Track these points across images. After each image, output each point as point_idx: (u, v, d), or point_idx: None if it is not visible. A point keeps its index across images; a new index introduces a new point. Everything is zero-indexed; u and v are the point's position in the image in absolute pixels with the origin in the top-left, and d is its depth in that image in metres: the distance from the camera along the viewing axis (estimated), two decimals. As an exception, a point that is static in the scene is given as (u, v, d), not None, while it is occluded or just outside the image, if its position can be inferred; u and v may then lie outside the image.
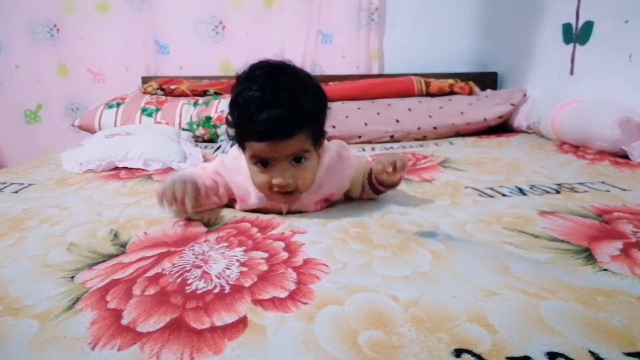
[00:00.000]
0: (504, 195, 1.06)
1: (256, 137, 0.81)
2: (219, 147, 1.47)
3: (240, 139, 0.86)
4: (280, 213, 0.95)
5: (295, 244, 0.75)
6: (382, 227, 0.84)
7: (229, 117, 0.87)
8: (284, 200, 0.90)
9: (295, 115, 0.80)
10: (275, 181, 0.84)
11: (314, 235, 0.80)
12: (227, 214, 0.93)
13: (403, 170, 0.89)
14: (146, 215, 0.94)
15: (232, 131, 0.88)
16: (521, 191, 1.08)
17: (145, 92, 2.23)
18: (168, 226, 0.86)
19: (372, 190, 0.98)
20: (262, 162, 0.85)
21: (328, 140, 0.98)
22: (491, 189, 1.11)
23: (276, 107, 0.78)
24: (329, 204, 1.00)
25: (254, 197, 0.93)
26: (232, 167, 0.95)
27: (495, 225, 0.85)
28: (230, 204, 1.00)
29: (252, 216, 0.91)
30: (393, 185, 0.97)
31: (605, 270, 0.66)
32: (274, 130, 0.80)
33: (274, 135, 0.80)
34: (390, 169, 0.87)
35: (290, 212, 0.95)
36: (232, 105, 0.85)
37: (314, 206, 0.97)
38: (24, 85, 2.57)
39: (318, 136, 0.88)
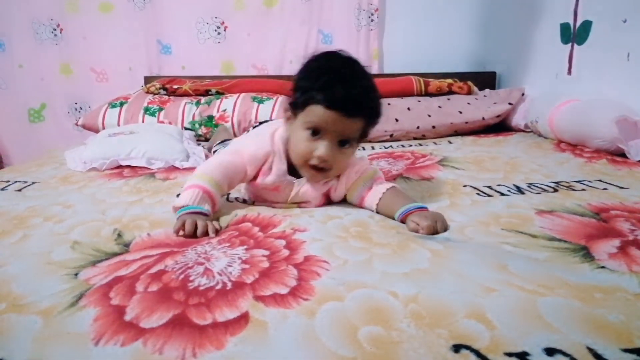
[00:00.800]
0: (502, 194, 1.06)
1: (327, 104, 0.86)
2: (222, 142, 1.49)
3: (305, 101, 0.89)
4: (285, 202, 0.99)
5: (296, 242, 0.76)
6: (382, 228, 0.85)
7: (296, 80, 0.93)
8: (314, 176, 0.94)
9: (366, 102, 0.90)
10: (318, 152, 0.89)
11: (315, 233, 0.80)
12: (229, 214, 0.94)
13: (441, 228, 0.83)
14: (149, 215, 0.95)
15: (293, 95, 0.93)
16: (519, 190, 1.09)
17: (148, 92, 2.23)
18: (171, 229, 0.87)
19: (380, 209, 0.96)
20: (313, 131, 0.89)
21: None
22: (489, 187, 1.12)
23: (355, 87, 0.87)
24: (328, 200, 1.02)
25: (274, 174, 0.97)
26: (264, 141, 0.98)
27: (494, 226, 0.86)
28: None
29: (253, 214, 0.92)
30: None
31: (603, 267, 0.66)
32: (347, 105, 0.86)
33: (344, 108, 0.86)
34: (423, 232, 0.81)
35: (294, 203, 0.98)
36: (307, 70, 0.93)
37: (318, 199, 0.99)
38: (27, 85, 2.58)
39: (366, 132, 0.95)
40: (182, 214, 0.86)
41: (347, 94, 0.85)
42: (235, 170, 0.96)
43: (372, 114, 0.92)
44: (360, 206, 0.99)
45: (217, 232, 0.83)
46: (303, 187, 0.97)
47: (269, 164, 0.97)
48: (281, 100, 2.03)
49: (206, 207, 0.88)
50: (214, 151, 1.50)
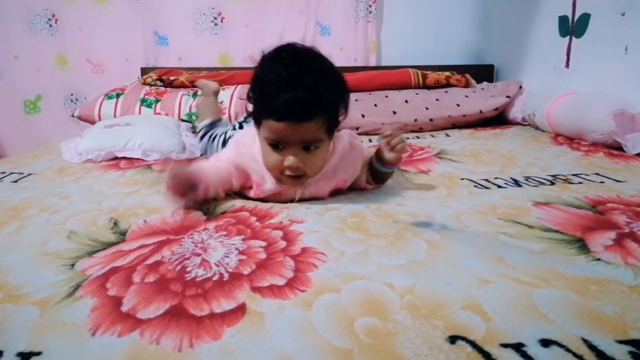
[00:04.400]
0: (499, 186, 1.06)
1: (275, 117, 0.83)
2: (203, 136, 1.48)
3: (259, 117, 0.88)
4: (292, 200, 0.96)
5: (293, 233, 0.76)
6: (378, 217, 0.85)
7: (250, 94, 0.90)
8: (293, 183, 0.92)
9: (316, 100, 0.82)
10: (286, 162, 0.86)
11: (312, 224, 0.80)
12: (227, 202, 0.94)
13: (399, 149, 0.90)
14: (146, 203, 0.95)
15: (250, 107, 0.91)
16: (516, 182, 1.09)
17: (144, 83, 2.22)
18: (167, 214, 0.87)
19: (372, 176, 0.99)
20: (274, 144, 0.87)
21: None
22: (486, 180, 1.12)
23: (299, 89, 0.81)
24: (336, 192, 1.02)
25: (269, 181, 0.94)
26: (248, 154, 0.95)
27: (490, 215, 0.86)
28: (243, 193, 1.00)
29: (251, 205, 0.92)
30: (393, 162, 0.94)
31: (599, 259, 0.67)
32: (293, 112, 0.82)
33: (292, 116, 0.82)
34: (385, 145, 0.87)
35: (302, 200, 0.97)
36: (255, 82, 0.88)
37: (327, 193, 0.99)
38: (23, 76, 2.56)
39: (332, 125, 0.90)
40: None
41: (293, 100, 0.81)
42: (222, 176, 0.94)
43: (328, 109, 0.86)
44: (364, 188, 1.00)
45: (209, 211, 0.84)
46: (307, 190, 0.96)
47: (258, 175, 0.94)
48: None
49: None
50: (201, 136, 1.48)
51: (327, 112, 0.86)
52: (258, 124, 0.89)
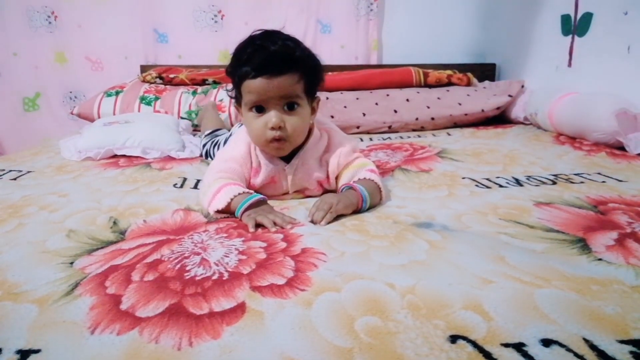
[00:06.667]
0: (500, 186, 1.06)
1: (252, 74, 0.87)
2: (212, 132, 1.49)
3: (238, 84, 0.91)
4: (287, 192, 0.99)
5: (293, 235, 0.76)
6: (378, 219, 0.84)
7: (228, 72, 0.94)
8: (277, 149, 0.93)
9: (287, 54, 0.88)
10: (269, 124, 0.89)
11: (312, 227, 0.80)
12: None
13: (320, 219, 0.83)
14: (145, 202, 0.95)
15: (232, 91, 0.96)
16: (518, 182, 1.09)
17: (144, 81, 2.22)
18: (167, 215, 0.87)
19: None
20: (257, 108, 0.90)
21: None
22: (488, 179, 1.11)
23: (272, 46, 0.87)
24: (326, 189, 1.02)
25: (263, 166, 0.97)
26: (246, 144, 0.99)
27: (492, 216, 0.86)
28: None
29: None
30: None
31: (600, 259, 0.66)
32: (267, 65, 0.86)
33: (267, 69, 0.86)
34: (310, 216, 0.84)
35: (296, 192, 0.99)
36: (232, 58, 0.92)
37: (316, 184, 1.00)
38: (22, 73, 2.55)
39: (310, 87, 0.93)
40: (247, 210, 0.84)
41: (267, 54, 0.86)
42: (234, 172, 0.95)
43: (303, 64, 0.90)
44: None
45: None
46: (298, 175, 0.98)
47: (256, 162, 0.97)
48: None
49: (257, 194, 0.88)
50: (203, 144, 1.48)
51: (302, 68, 0.89)
52: (239, 98, 0.93)
